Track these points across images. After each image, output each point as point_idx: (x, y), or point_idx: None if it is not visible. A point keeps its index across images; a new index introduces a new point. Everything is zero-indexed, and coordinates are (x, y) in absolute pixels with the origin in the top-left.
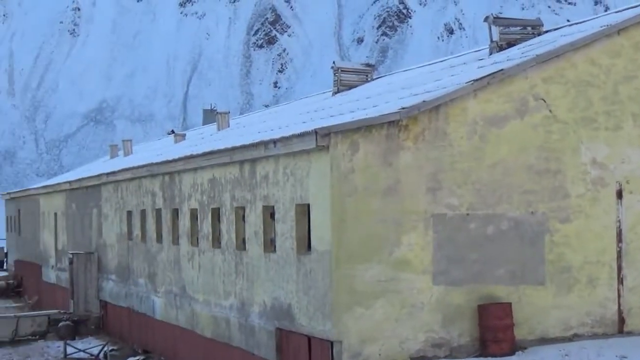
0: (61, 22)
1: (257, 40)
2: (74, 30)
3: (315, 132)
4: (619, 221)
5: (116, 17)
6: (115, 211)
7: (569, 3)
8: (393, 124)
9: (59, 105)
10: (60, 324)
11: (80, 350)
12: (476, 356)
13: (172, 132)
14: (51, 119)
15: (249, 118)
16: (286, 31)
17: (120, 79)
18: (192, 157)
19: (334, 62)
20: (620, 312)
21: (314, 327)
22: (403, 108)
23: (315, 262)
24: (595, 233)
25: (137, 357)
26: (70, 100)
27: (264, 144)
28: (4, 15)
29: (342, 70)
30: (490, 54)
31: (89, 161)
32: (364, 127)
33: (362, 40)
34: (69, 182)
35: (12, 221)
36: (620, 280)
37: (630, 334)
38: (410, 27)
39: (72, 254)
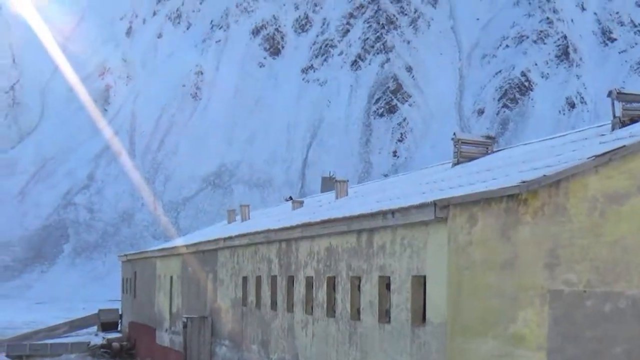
0: (184, 86)
1: (377, 109)
2: (196, 93)
3: (434, 203)
4: None
5: (238, 81)
6: (231, 276)
7: None
8: (512, 198)
9: (178, 168)
10: None
11: None
12: None
13: (290, 198)
14: (170, 181)
15: (368, 187)
16: (407, 100)
17: (240, 143)
18: (309, 224)
19: (454, 134)
20: None
21: None
22: (523, 182)
23: (430, 335)
24: None
25: None
26: (190, 164)
27: (382, 214)
28: (127, 77)
29: (462, 142)
30: (613, 129)
31: (206, 225)
32: (483, 200)
33: (482, 112)
34: (186, 246)
35: (127, 283)
36: None
37: None
38: (532, 99)
39: (186, 317)
